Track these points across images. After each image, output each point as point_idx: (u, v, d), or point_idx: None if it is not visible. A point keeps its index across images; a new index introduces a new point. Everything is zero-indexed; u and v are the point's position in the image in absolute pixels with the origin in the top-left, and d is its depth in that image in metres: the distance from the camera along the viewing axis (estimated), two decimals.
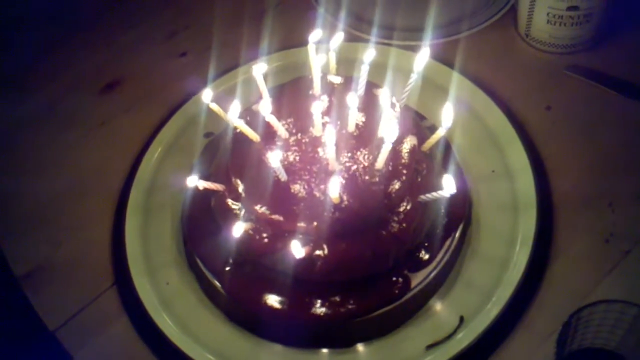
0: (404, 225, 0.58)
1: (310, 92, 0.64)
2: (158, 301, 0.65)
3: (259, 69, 0.63)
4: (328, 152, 0.56)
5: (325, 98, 0.63)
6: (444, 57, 0.80)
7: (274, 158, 0.55)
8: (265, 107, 0.59)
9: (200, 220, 0.66)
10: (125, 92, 0.86)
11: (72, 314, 0.67)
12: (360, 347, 0.61)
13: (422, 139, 0.63)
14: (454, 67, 0.78)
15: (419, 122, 0.70)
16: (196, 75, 0.83)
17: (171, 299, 0.65)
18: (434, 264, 0.62)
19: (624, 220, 0.66)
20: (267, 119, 0.59)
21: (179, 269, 0.68)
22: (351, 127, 0.60)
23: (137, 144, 0.78)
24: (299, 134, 0.61)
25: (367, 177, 0.57)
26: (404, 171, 0.58)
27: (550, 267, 0.64)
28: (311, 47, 0.64)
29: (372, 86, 0.64)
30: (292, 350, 0.62)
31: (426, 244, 0.62)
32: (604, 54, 0.80)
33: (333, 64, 0.66)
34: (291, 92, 0.65)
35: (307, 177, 0.58)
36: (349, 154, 0.59)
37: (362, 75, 0.61)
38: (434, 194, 0.56)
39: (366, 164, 0.58)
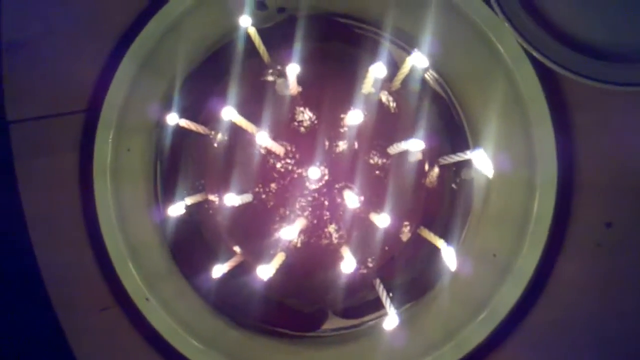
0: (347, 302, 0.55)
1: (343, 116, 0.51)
2: (110, 173, 0.61)
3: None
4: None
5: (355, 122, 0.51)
6: None
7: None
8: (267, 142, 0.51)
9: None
10: None
11: (34, 116, 0.63)
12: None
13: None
14: None
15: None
16: None
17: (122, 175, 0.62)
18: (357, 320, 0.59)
19: None
20: (267, 144, 0.50)
21: (147, 142, 0.64)
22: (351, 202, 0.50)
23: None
24: (296, 159, 0.54)
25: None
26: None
27: None
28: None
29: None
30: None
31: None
32: None
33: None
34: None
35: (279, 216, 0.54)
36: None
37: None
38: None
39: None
